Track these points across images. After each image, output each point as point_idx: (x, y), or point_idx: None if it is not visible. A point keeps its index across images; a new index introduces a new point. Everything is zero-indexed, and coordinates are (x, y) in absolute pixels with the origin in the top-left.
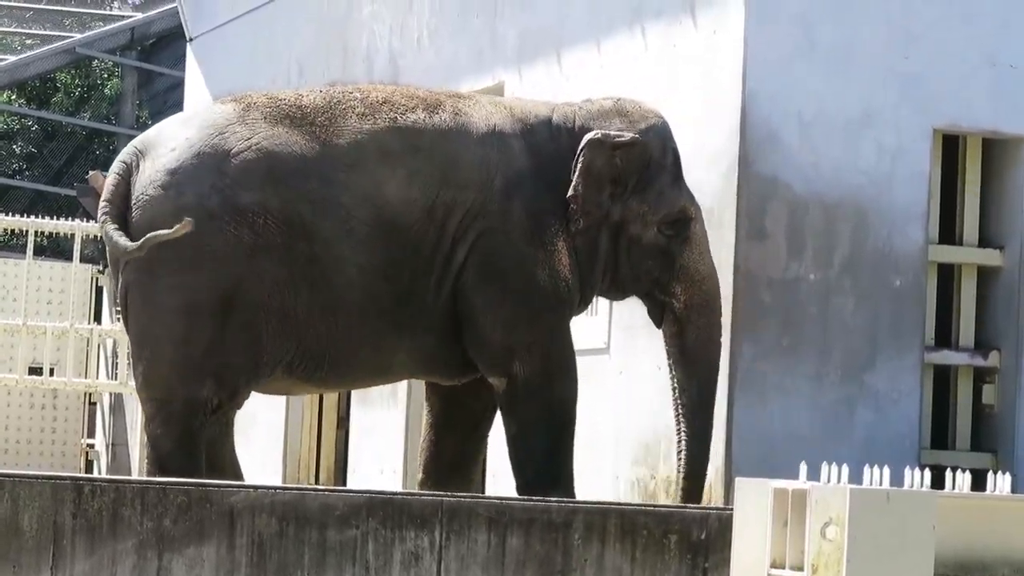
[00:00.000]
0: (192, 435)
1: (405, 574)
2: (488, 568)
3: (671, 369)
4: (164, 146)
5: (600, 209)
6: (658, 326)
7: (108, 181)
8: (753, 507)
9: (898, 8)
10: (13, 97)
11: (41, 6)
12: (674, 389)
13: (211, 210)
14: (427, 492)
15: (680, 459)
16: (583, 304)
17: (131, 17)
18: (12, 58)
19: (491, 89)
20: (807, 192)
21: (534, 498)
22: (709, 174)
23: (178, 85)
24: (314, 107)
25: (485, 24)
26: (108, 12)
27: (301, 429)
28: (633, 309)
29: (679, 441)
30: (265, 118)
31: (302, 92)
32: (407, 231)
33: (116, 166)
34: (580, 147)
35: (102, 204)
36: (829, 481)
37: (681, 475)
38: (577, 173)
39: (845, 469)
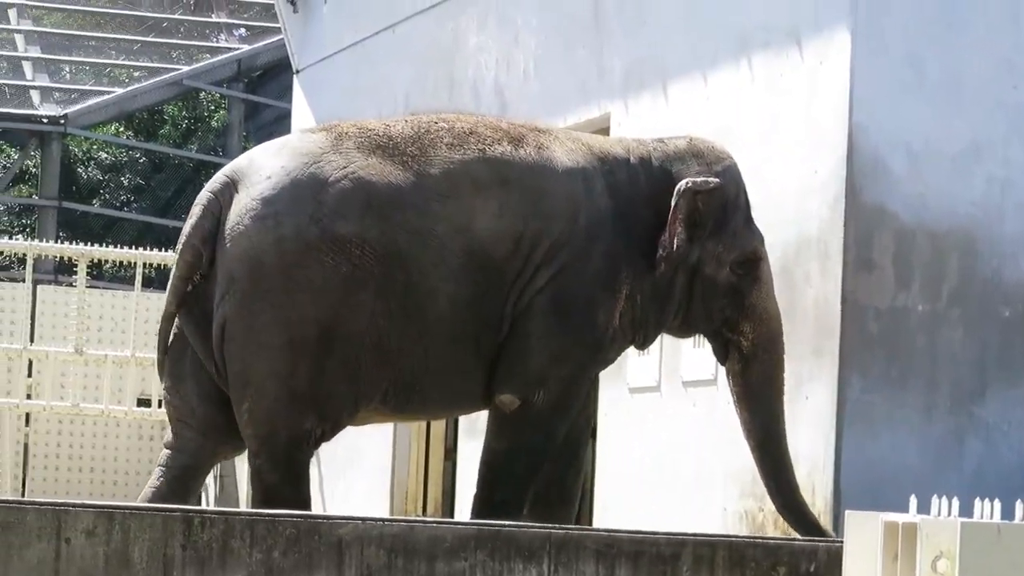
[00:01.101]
0: (298, 468)
1: None
2: None
3: (736, 408)
4: (259, 174)
5: (681, 254)
6: (722, 363)
7: (194, 211)
8: (863, 540)
9: (1006, 40)
10: (121, 129)
11: (149, 38)
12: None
13: (310, 241)
14: (535, 524)
15: (775, 504)
16: (646, 343)
17: (238, 49)
18: (120, 90)
19: (596, 120)
20: (915, 222)
21: (642, 530)
22: (816, 204)
23: (284, 117)
24: (403, 137)
25: (591, 55)
26: (215, 44)
27: (408, 461)
28: None
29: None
30: (358, 147)
31: (388, 122)
32: (495, 263)
33: (204, 197)
34: (675, 198)
35: (184, 239)
36: (939, 514)
37: (786, 519)
38: (672, 223)
39: (955, 502)
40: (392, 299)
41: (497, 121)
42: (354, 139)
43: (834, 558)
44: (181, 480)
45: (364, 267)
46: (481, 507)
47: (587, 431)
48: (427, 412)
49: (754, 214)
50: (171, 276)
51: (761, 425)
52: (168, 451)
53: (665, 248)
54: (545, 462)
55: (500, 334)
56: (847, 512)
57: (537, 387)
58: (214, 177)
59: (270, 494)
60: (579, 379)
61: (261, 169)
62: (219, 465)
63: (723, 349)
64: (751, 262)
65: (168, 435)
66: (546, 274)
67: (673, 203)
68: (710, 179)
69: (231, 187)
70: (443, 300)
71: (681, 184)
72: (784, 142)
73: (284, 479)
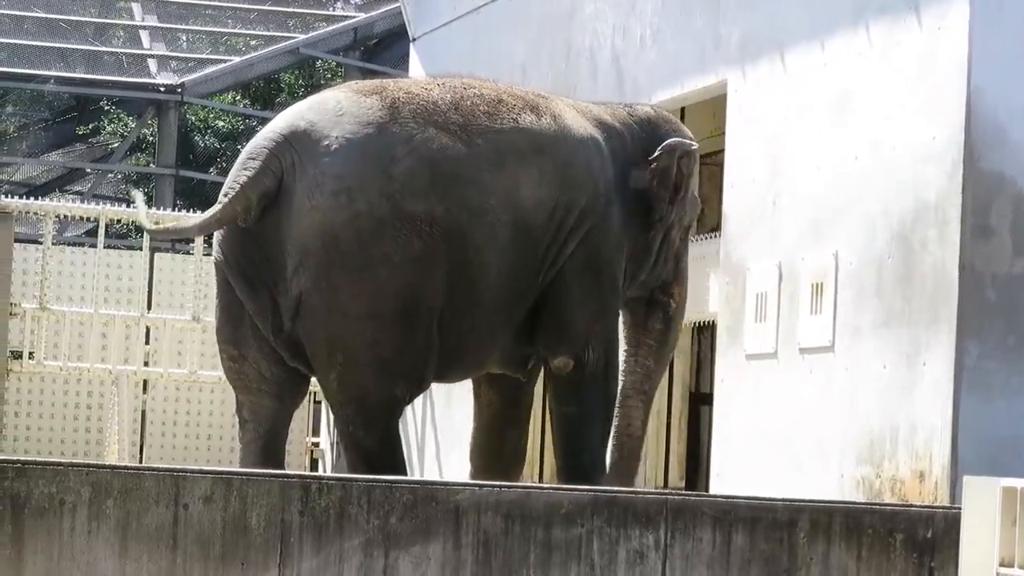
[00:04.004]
0: (392, 432)
1: (630, 572)
2: (713, 567)
3: (639, 358)
4: (323, 144)
5: (671, 216)
6: (642, 327)
7: (249, 164)
8: (981, 506)
9: None
10: (238, 98)
11: (265, 7)
12: (634, 372)
13: (383, 217)
14: (652, 491)
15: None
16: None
17: (354, 17)
18: (237, 59)
19: (713, 88)
20: None
21: (759, 497)
22: (933, 171)
23: None
24: (446, 104)
25: (708, 23)
26: (331, 12)
27: None
28: (859, 308)
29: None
30: (413, 117)
31: (425, 85)
32: (534, 232)
33: (261, 152)
34: (668, 159)
35: (237, 188)
36: None
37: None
38: (678, 184)
39: None
40: (452, 274)
41: (512, 87)
42: (406, 107)
43: (951, 524)
44: (269, 450)
45: (431, 244)
46: (569, 475)
47: (531, 399)
48: (454, 378)
49: (872, 181)
50: (214, 214)
51: (658, 378)
52: (247, 423)
53: (661, 212)
54: (611, 420)
55: (529, 302)
56: (965, 478)
57: (585, 346)
58: (268, 133)
59: (370, 460)
60: (615, 334)
61: (324, 138)
62: (335, 431)
63: (645, 313)
64: (690, 228)
65: (239, 406)
66: (574, 241)
67: (668, 165)
68: (691, 142)
69: (291, 150)
70: (493, 273)
71: (673, 144)
72: (902, 109)
73: (382, 444)
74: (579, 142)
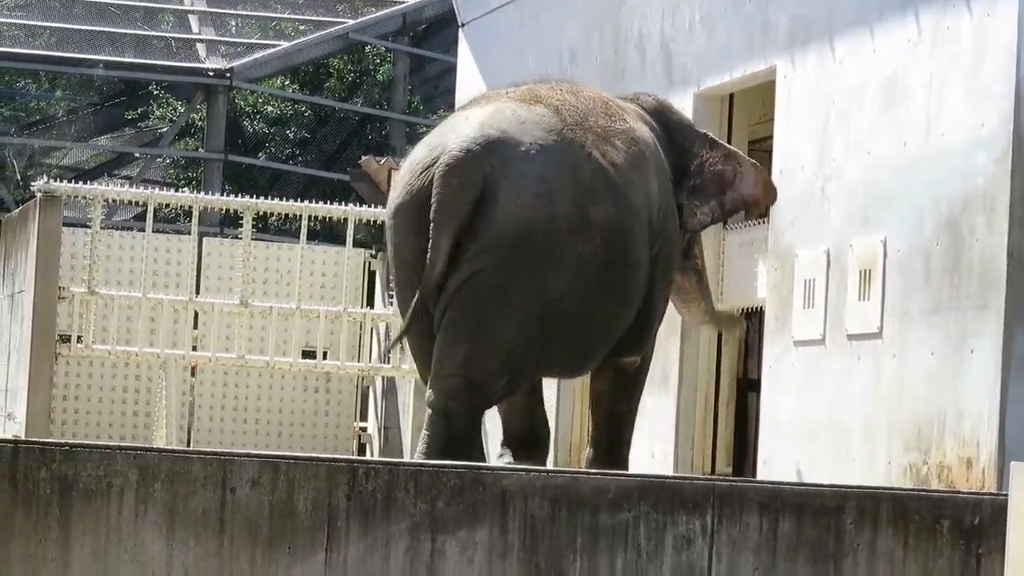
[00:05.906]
0: (480, 421)
1: (677, 558)
2: (760, 552)
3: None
4: (520, 150)
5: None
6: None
7: (449, 181)
8: None
9: None
10: (286, 83)
11: None
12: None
13: (571, 221)
14: (699, 477)
15: None
16: None
17: (403, 3)
18: (285, 44)
19: (762, 74)
20: None
21: (806, 483)
22: (982, 158)
23: (450, 70)
24: (584, 108)
25: (757, 9)
26: None
27: (572, 414)
28: (907, 295)
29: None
30: (575, 124)
31: (556, 91)
32: (651, 232)
33: (459, 169)
34: (716, 158)
35: (442, 207)
36: None
37: None
38: (733, 191)
39: None
40: (612, 272)
41: (599, 90)
42: (566, 113)
43: (998, 511)
44: None
45: (596, 249)
46: (606, 462)
47: None
48: (576, 374)
49: (921, 168)
50: (431, 245)
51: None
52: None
53: (713, 214)
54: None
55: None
56: (1012, 464)
57: (649, 344)
58: (461, 144)
59: (454, 442)
60: None
61: (520, 144)
62: (383, 416)
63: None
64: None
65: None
66: (658, 245)
67: (725, 165)
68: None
69: (489, 158)
70: (641, 271)
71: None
72: (951, 96)
73: (469, 429)
74: (656, 147)
